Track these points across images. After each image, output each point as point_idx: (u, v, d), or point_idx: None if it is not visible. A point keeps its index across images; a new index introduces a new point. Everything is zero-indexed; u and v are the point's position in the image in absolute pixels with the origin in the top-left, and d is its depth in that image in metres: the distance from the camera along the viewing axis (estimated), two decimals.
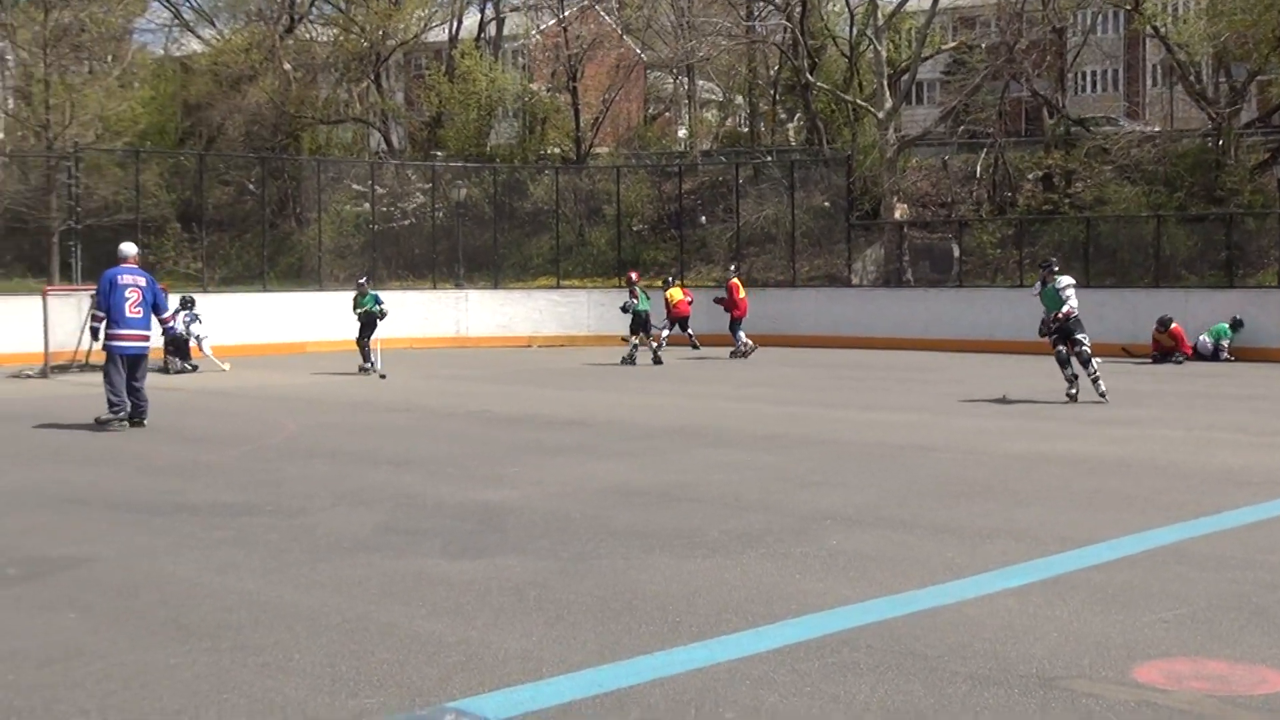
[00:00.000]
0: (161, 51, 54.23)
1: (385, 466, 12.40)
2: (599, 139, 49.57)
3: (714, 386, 21.46)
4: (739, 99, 56.18)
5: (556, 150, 48.83)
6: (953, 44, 44.30)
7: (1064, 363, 18.12)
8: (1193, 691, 5.56)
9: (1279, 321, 27.28)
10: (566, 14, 48.61)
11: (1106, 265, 32.48)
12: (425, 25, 49.72)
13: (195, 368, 24.93)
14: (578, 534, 8.94)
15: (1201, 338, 27.03)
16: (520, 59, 54.80)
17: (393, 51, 49.92)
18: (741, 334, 28.51)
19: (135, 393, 15.73)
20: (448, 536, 8.92)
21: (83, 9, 39.97)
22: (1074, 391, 17.99)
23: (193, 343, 25.37)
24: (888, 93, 38.01)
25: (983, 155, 40.81)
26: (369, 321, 24.91)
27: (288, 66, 47.68)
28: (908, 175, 40.98)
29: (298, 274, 37.75)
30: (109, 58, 46.02)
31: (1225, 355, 26.68)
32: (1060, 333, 18.12)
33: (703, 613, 6.85)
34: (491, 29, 52.16)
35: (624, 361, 26.61)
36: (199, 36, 53.22)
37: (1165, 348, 26.79)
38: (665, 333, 27.69)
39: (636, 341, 26.97)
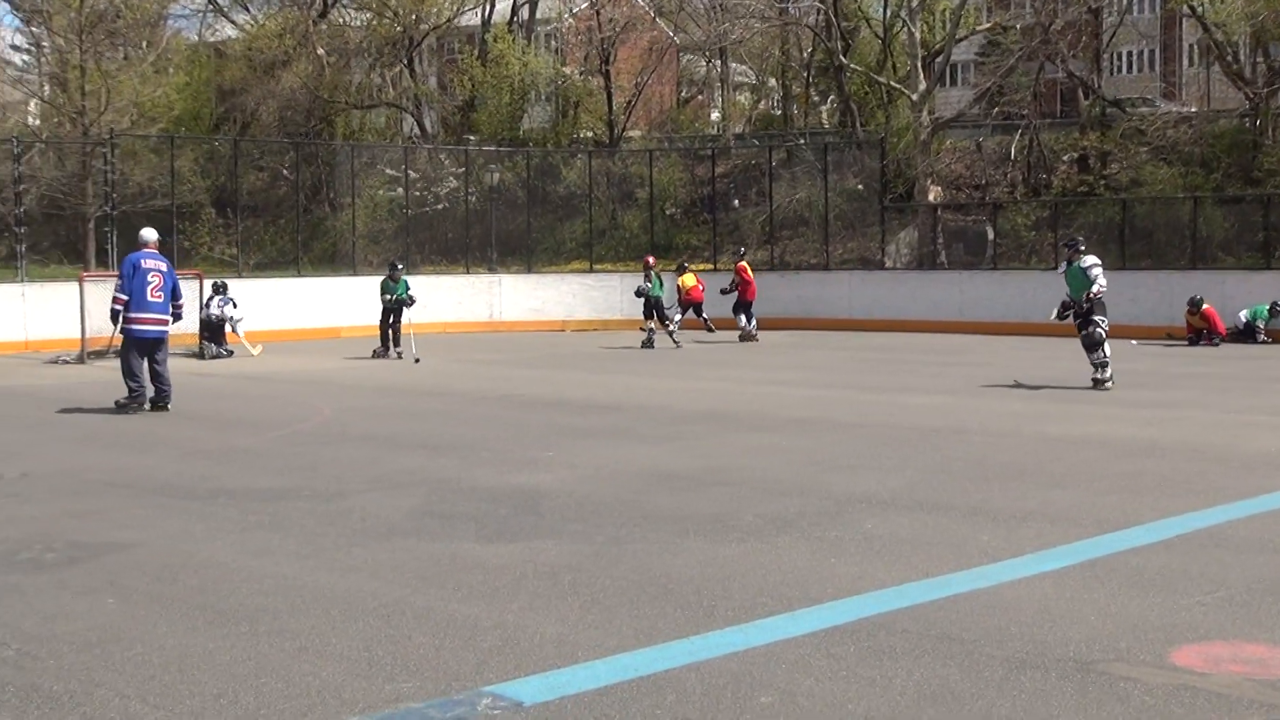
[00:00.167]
0: (196, 37, 54.39)
1: (419, 450, 12.44)
2: (632, 122, 49.51)
3: (748, 371, 21.43)
4: (772, 81, 56.02)
5: (589, 134, 48.79)
6: (987, 25, 44.00)
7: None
8: (1231, 675, 5.53)
9: None
10: None
11: (1142, 247, 32.26)
12: (458, 9, 49.67)
13: (230, 353, 25.04)
14: (612, 518, 8.95)
15: (1241, 314, 26.85)
16: (553, 42, 54.75)
17: (426, 36, 49.90)
18: (753, 319, 28.53)
19: (158, 377, 15.87)
20: (482, 520, 8.95)
21: None
22: (1110, 374, 17.66)
23: (227, 327, 25.47)
24: (921, 74, 37.82)
25: (1017, 137, 40.61)
26: (397, 308, 24.94)
27: (321, 51, 47.75)
28: (941, 157, 40.82)
29: (331, 259, 37.86)
30: (144, 44, 46.25)
31: (1261, 337, 26.50)
32: (1080, 315, 17.75)
33: (738, 597, 6.85)
34: (524, 12, 52.10)
35: (644, 346, 26.66)
36: (233, 22, 53.36)
37: (1198, 329, 26.61)
38: (678, 317, 27.83)
39: (653, 326, 27.07)
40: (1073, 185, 38.51)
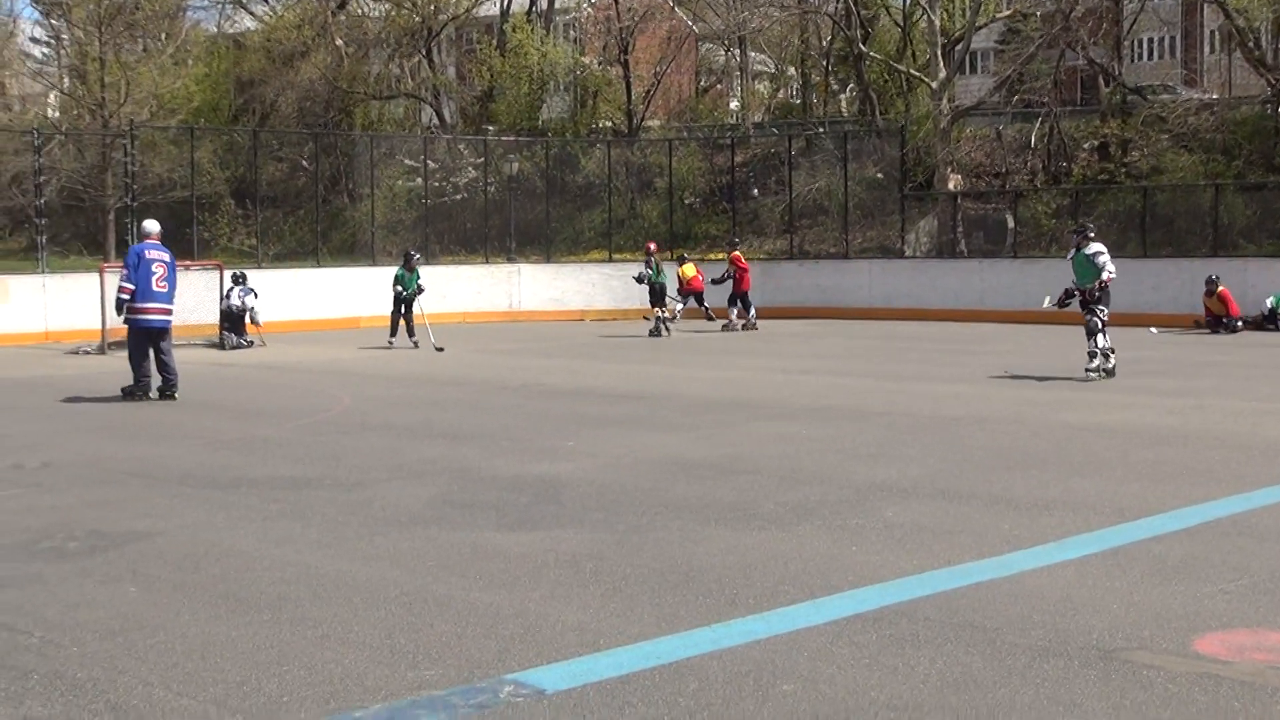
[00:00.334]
0: (215, 29, 54.51)
1: (440, 439, 12.45)
2: (651, 112, 49.47)
3: (767, 359, 21.41)
4: (791, 70, 55.87)
5: (608, 123, 48.74)
6: (1007, 12, 43.81)
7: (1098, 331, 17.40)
8: (1254, 663, 5.51)
9: None
10: None
11: (1163, 235, 32.13)
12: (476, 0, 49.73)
13: (251, 343, 25.08)
14: (633, 506, 8.95)
15: (1267, 300, 26.75)
16: (571, 32, 54.74)
17: (444, 26, 49.94)
18: (750, 308, 28.57)
19: (164, 366, 16.05)
20: (503, 509, 8.96)
21: None
22: (1107, 365, 17.37)
23: (247, 318, 25.50)
24: (941, 62, 37.70)
25: (1037, 125, 40.47)
26: (409, 299, 24.94)
27: (340, 42, 47.82)
28: (961, 145, 40.70)
29: (350, 249, 37.90)
30: (163, 36, 46.33)
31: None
32: (1083, 302, 17.44)
33: (759, 585, 6.84)
34: (543, 2, 52.12)
35: (651, 334, 26.70)
36: (252, 13, 53.47)
37: (1215, 313, 26.47)
38: (679, 306, 27.97)
39: (659, 313, 27.15)
40: (1093, 173, 38.36)
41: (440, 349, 23.33)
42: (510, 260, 35.57)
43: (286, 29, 48.18)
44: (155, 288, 15.97)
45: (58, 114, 49.41)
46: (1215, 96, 41.51)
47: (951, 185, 37.36)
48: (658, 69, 48.80)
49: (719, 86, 59.01)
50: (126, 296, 15.91)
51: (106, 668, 5.59)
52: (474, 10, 50.19)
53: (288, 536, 8.15)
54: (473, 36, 53.66)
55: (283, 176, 43.44)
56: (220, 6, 54.41)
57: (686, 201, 41.44)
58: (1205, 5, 48.41)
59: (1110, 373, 17.37)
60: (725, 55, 56.71)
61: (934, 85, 37.31)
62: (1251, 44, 38.21)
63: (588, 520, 8.53)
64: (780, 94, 58.31)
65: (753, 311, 28.66)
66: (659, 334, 26.67)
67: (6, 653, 5.83)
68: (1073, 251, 17.87)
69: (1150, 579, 6.86)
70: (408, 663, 5.61)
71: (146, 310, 15.95)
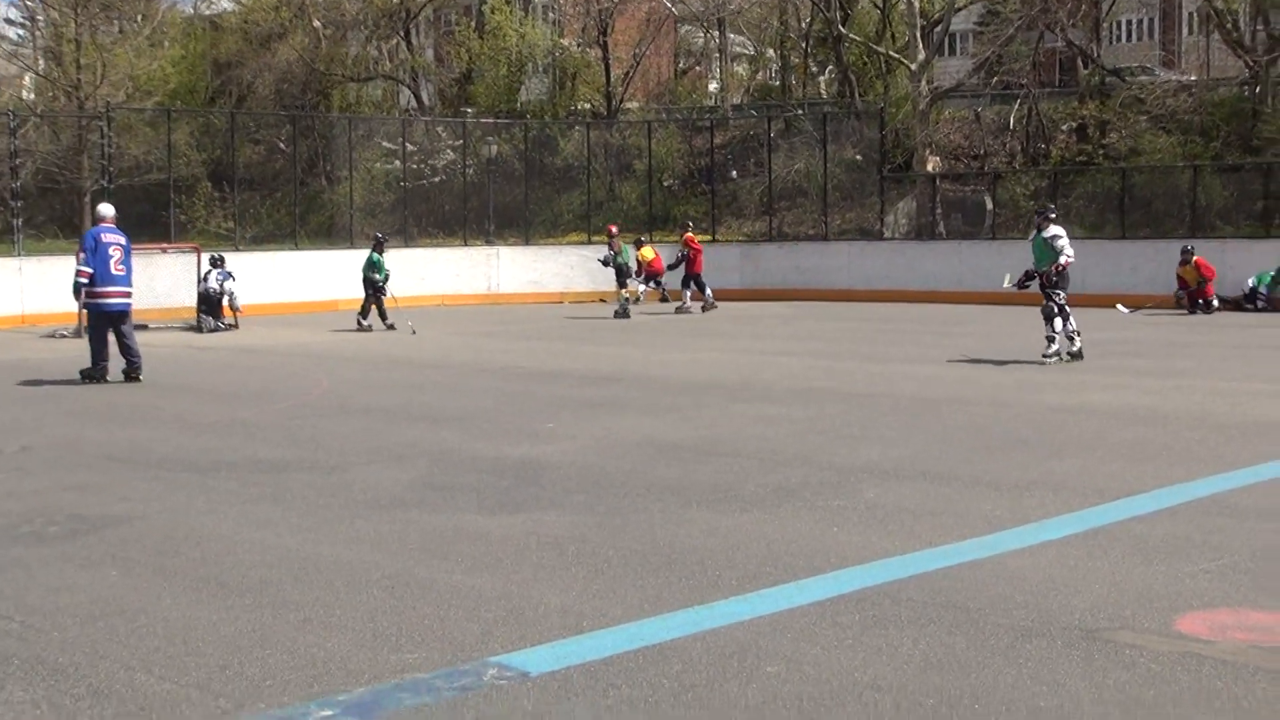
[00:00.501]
0: (191, 10, 54.33)
1: (420, 422, 12.42)
2: (629, 94, 49.38)
3: (746, 341, 21.41)
4: (770, 52, 55.81)
5: (587, 105, 48.64)
6: None
7: (1063, 316, 17.22)
8: (1236, 642, 5.53)
9: None
10: None
11: (1141, 216, 32.19)
12: None
13: (228, 326, 24.97)
14: (615, 489, 8.94)
15: (1248, 280, 26.87)
16: (550, 14, 54.54)
17: (422, 8, 49.76)
18: (706, 288, 28.66)
19: (127, 349, 16.05)
20: (485, 492, 8.94)
21: None
22: (1072, 349, 17.15)
23: (225, 301, 25.37)
24: (920, 44, 37.70)
25: (1016, 106, 40.52)
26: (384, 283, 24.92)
27: (317, 24, 47.63)
28: (940, 127, 40.72)
29: (328, 232, 37.75)
30: (139, 17, 46.10)
31: (1261, 303, 26.52)
32: (1041, 285, 17.25)
33: (742, 566, 6.84)
34: None
35: (617, 315, 26.81)
36: None
37: (1189, 282, 26.49)
38: (642, 289, 28.11)
39: (624, 295, 27.28)
40: (1071, 155, 38.43)
41: (414, 331, 23.29)
42: (489, 243, 35.49)
43: (263, 10, 47.98)
44: (114, 271, 15.94)
45: (33, 96, 49.16)
46: (1193, 78, 41.59)
47: (930, 167, 37.37)
48: (637, 51, 48.69)
49: (698, 68, 58.93)
50: (85, 280, 15.89)
51: (88, 652, 5.57)
52: None
53: (268, 520, 8.12)
54: (451, 18, 53.49)
55: (260, 159, 43.25)
56: None
57: (665, 184, 41.39)
58: None
59: (1076, 355, 17.15)
60: (704, 37, 56.62)
61: (913, 67, 37.30)
62: (1229, 26, 38.31)
63: (569, 503, 8.52)
64: (759, 76, 58.27)
65: (709, 291, 28.69)
66: (625, 315, 26.72)
67: None
68: (1033, 233, 17.78)
69: (1131, 559, 6.87)
70: (391, 646, 5.60)
71: (107, 294, 15.93)
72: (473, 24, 49.04)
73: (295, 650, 5.55)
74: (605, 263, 27.83)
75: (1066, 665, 5.25)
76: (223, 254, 26.62)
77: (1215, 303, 26.25)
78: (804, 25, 49.10)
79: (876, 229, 35.30)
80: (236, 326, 25.04)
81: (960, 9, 41.94)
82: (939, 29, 40.13)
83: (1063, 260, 17.14)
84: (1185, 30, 51.85)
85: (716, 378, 15.98)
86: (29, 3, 46.50)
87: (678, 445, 10.86)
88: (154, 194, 34.40)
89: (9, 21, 51.54)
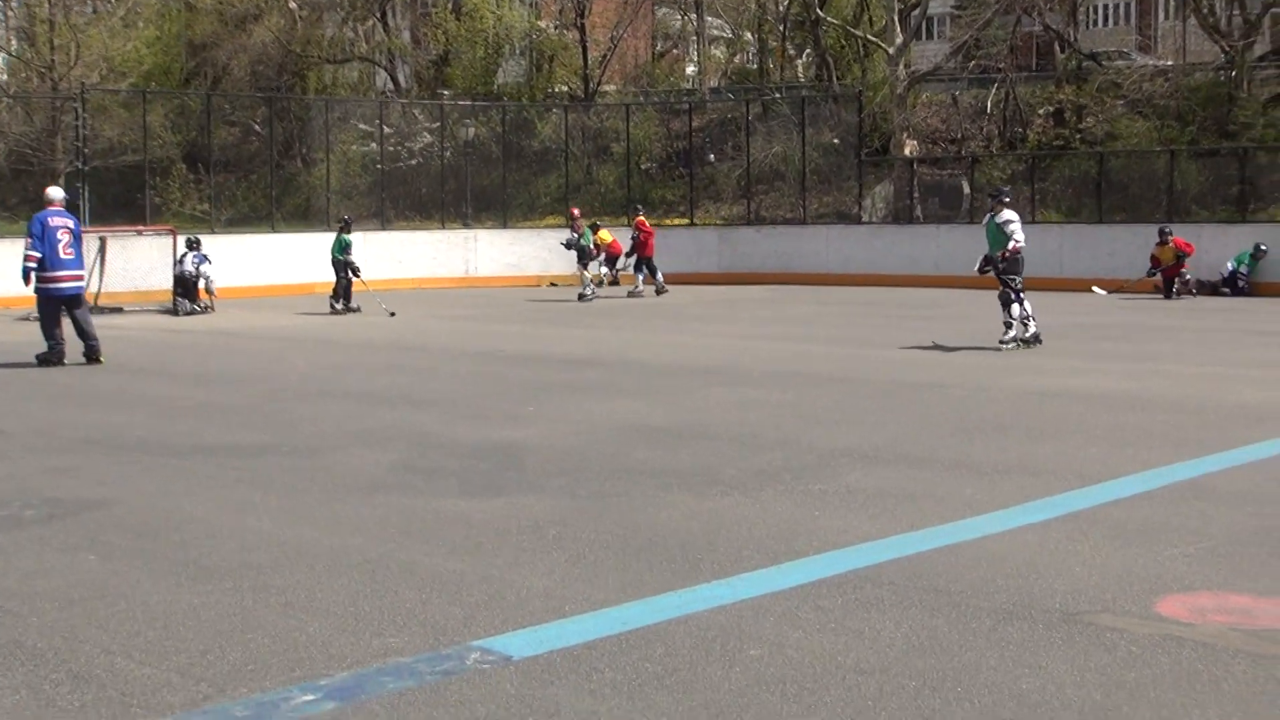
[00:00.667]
0: None
1: (399, 406, 12.39)
2: (607, 77, 49.23)
3: (725, 325, 21.42)
4: (748, 35, 55.71)
5: (564, 88, 48.50)
6: None
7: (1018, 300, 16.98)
8: (1216, 625, 5.55)
9: None
10: None
11: (1118, 200, 32.29)
12: None
13: (204, 309, 24.86)
14: (595, 472, 8.93)
15: (1227, 264, 27.01)
16: None
17: None
18: (658, 272, 28.75)
19: (83, 332, 16.08)
20: (465, 475, 8.92)
21: None
22: (1024, 335, 16.90)
23: (201, 284, 25.24)
24: (898, 28, 37.72)
25: (993, 90, 40.56)
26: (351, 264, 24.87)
27: (293, 5, 47.32)
28: (918, 111, 40.75)
29: (305, 215, 37.57)
30: None
31: (1242, 284, 26.65)
32: (995, 271, 17.05)
33: (723, 550, 6.84)
34: None
35: (581, 298, 27.00)
36: None
37: (1165, 263, 26.55)
38: (605, 270, 28.23)
39: (588, 276, 27.51)
40: (1048, 139, 38.50)
41: (392, 314, 23.31)
42: (466, 226, 35.41)
43: None
44: (62, 255, 15.90)
45: (6, 77, 48.71)
46: (1170, 63, 41.67)
47: (908, 151, 37.40)
48: (614, 33, 48.55)
49: (675, 51, 58.79)
50: (33, 265, 15.84)
51: (67, 636, 5.54)
52: None
53: (248, 503, 8.09)
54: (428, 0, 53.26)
55: (235, 141, 42.99)
56: None
57: (643, 167, 41.32)
58: None
59: (1030, 341, 16.95)
60: (681, 20, 56.47)
61: (890, 51, 37.31)
62: (1206, 10, 38.35)
63: (550, 486, 8.51)
64: (737, 59, 58.17)
65: (659, 275, 28.75)
66: (588, 299, 26.81)
67: None
68: (987, 217, 17.58)
69: (1111, 542, 6.90)
70: (373, 630, 5.58)
71: (57, 279, 15.89)
72: (449, 5, 48.82)
73: (277, 634, 5.53)
74: (568, 245, 27.90)
75: (1048, 648, 5.26)
76: (199, 236, 26.48)
77: (1189, 276, 26.32)
78: (781, 8, 49.01)
79: (854, 213, 35.33)
80: (212, 309, 24.93)
81: None
82: (916, 12, 40.13)
83: (1011, 245, 16.91)
84: (1161, 15, 51.96)
85: (696, 361, 15.98)
86: None
87: (658, 429, 10.85)
88: (129, 176, 34.18)
89: None
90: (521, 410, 11.99)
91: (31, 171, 40.32)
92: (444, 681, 4.97)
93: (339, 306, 24.62)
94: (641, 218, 29.37)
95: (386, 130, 38.49)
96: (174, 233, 26.46)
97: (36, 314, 16.29)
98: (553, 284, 31.32)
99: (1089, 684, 4.86)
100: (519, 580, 6.30)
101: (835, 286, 30.96)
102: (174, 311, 24.58)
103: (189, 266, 25.06)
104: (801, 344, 18.13)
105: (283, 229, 32.87)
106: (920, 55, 46.47)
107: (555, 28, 49.87)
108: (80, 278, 16.31)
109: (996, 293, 17.26)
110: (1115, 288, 27.13)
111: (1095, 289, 26.66)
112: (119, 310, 25.17)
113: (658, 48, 57.55)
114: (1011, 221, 16.99)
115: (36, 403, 13.05)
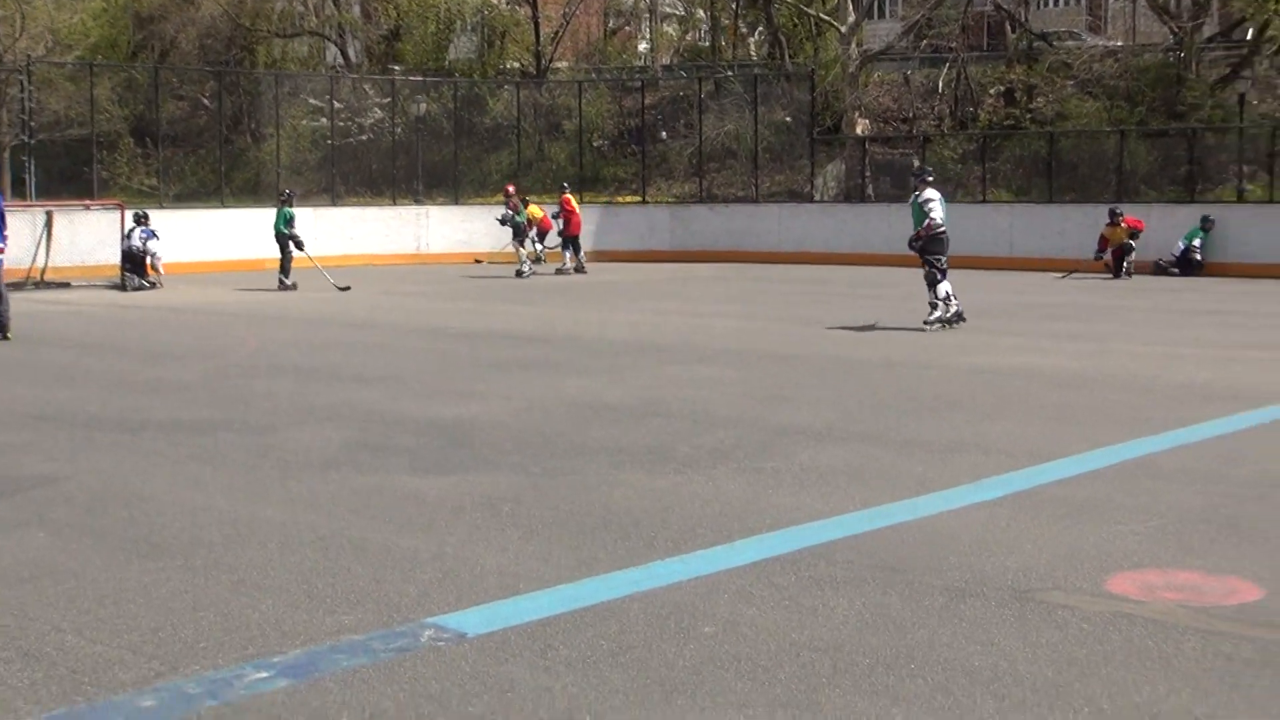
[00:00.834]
0: None
1: (350, 383, 12.34)
2: (559, 53, 49.08)
3: (677, 303, 21.43)
4: (700, 13, 55.66)
5: (516, 65, 48.33)
6: None
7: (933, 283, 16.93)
8: (1165, 602, 5.60)
9: (1239, 236, 27.39)
10: None
11: (1068, 180, 32.52)
12: None
13: (153, 285, 24.65)
14: (548, 450, 8.92)
15: (1178, 243, 27.24)
16: None
17: None
18: (580, 252, 28.89)
19: None
20: (417, 453, 8.90)
21: None
22: (946, 315, 16.79)
23: (147, 260, 25.01)
24: (850, 6, 37.76)
25: (945, 70, 40.70)
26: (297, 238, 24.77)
27: None
28: (870, 90, 40.83)
29: (254, 190, 37.29)
30: None
31: (1199, 258, 26.89)
32: (921, 250, 16.93)
33: (676, 527, 6.85)
34: None
35: (519, 275, 27.10)
36: None
37: (1114, 243, 26.71)
38: (540, 247, 28.22)
39: (524, 253, 27.65)
40: (999, 118, 38.69)
41: (348, 288, 23.26)
42: (418, 202, 35.26)
43: None
44: None
45: None
46: (1119, 44, 41.97)
47: (860, 130, 37.49)
48: (566, 10, 48.39)
49: (628, 28, 58.68)
50: None
51: (16, 614, 5.48)
52: None
53: (199, 480, 8.04)
54: None
55: (184, 115, 42.62)
56: None
57: (595, 144, 41.26)
58: None
59: (952, 320, 16.83)
60: None
61: (843, 29, 37.36)
62: None
63: (503, 463, 8.50)
64: (689, 36, 58.10)
65: (581, 255, 28.89)
66: (525, 275, 26.91)
67: None
68: (912, 197, 17.49)
69: (1061, 520, 6.95)
70: (326, 608, 5.56)
71: None
72: None
73: (229, 612, 5.50)
74: (503, 221, 27.90)
75: (1000, 625, 5.30)
76: (146, 211, 26.25)
77: (1133, 257, 26.53)
78: None
79: (806, 191, 35.39)
80: (161, 285, 24.73)
81: None
82: None
83: (926, 224, 16.77)
84: None
85: (648, 338, 15.98)
86: None
87: (610, 406, 10.85)
88: (75, 150, 33.88)
89: None
90: (472, 387, 11.96)
91: None
92: (398, 659, 4.96)
93: (287, 282, 24.47)
94: (567, 196, 29.29)
95: (337, 105, 38.27)
96: (122, 207, 26.24)
97: None
98: (478, 260, 31.14)
99: (1041, 660, 4.89)
100: (473, 558, 6.29)
101: (787, 265, 31.02)
102: (122, 287, 24.39)
103: (136, 242, 24.86)
104: (754, 321, 18.16)
105: (232, 204, 32.60)
106: (872, 34, 46.57)
107: (507, 3, 49.69)
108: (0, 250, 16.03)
109: (922, 272, 17.19)
110: (1070, 268, 27.28)
111: (1057, 275, 26.77)
112: (66, 285, 24.95)
113: (610, 25, 57.41)
114: (931, 200, 16.87)
115: None
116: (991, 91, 40.56)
